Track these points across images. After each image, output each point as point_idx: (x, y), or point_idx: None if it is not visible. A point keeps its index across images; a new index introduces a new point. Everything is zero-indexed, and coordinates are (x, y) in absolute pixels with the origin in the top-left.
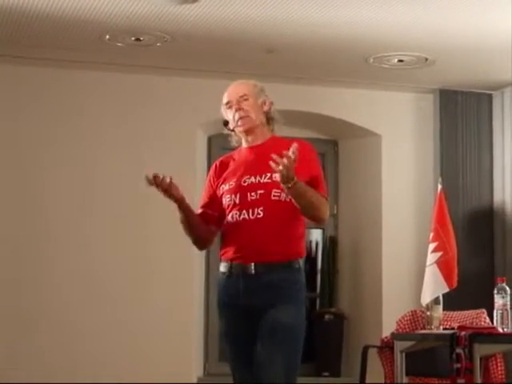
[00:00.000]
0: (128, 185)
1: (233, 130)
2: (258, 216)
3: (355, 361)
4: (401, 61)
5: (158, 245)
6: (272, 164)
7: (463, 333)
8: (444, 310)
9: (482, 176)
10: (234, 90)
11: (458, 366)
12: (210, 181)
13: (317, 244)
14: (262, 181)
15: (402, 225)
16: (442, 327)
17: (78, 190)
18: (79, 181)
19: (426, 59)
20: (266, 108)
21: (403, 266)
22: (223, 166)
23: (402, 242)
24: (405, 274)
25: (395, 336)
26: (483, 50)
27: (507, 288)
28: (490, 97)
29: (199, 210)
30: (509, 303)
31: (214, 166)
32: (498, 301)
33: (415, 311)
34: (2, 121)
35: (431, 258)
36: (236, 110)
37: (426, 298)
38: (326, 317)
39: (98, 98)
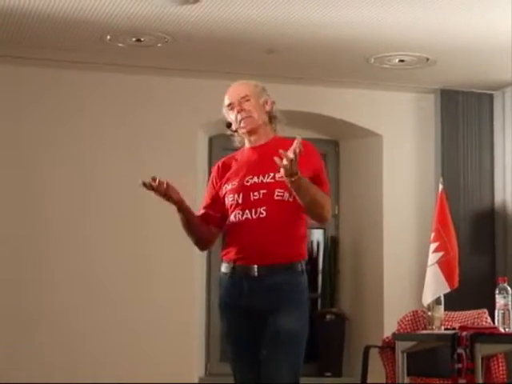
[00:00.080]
0: (128, 185)
1: (235, 131)
2: (261, 216)
3: (357, 361)
4: (402, 61)
5: (158, 245)
6: (276, 159)
7: (464, 333)
8: (445, 310)
9: (483, 176)
10: (235, 91)
11: (460, 366)
12: (212, 182)
13: (318, 244)
14: (264, 181)
15: (403, 225)
16: (443, 327)
17: (78, 190)
18: (79, 181)
19: (427, 59)
20: (268, 108)
21: (404, 266)
22: (226, 166)
23: (403, 242)
24: (406, 274)
25: (396, 336)
26: (484, 50)
27: (508, 288)
28: (490, 97)
29: (201, 211)
30: (510, 303)
31: (216, 166)
32: (500, 301)
33: (416, 311)
34: (3, 121)
35: (432, 258)
36: (238, 111)
37: (428, 298)
38: (328, 317)
39: (99, 99)
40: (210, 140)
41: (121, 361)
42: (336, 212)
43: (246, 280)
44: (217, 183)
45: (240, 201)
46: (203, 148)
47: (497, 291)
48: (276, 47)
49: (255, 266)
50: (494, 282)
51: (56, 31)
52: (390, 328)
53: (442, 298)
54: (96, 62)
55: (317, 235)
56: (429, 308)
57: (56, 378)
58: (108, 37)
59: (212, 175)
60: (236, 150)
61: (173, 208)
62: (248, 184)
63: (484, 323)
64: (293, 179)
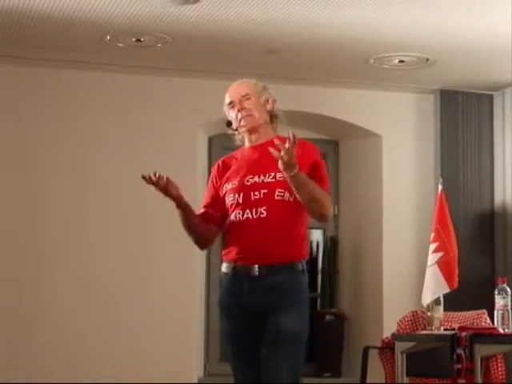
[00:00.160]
0: (128, 185)
1: (236, 130)
2: (262, 216)
3: (356, 361)
4: (401, 61)
5: (158, 245)
6: (273, 151)
7: (464, 333)
8: (445, 310)
9: (483, 176)
10: (235, 89)
11: (459, 366)
12: (212, 181)
13: (317, 244)
14: (265, 180)
15: (402, 225)
16: (442, 328)
17: (79, 190)
18: (79, 181)
19: (427, 60)
20: (269, 107)
21: (404, 266)
22: (226, 165)
23: (403, 243)
24: (405, 274)
25: (396, 337)
26: (484, 50)
27: (508, 289)
28: (490, 97)
29: (201, 210)
30: (509, 304)
31: (216, 165)
32: (499, 301)
33: (416, 312)
34: (3, 121)
35: (432, 258)
36: (238, 110)
37: (427, 299)
38: (327, 317)
39: (99, 99)
40: (210, 140)
41: (120, 361)
42: (336, 212)
43: (247, 280)
44: (217, 182)
45: (240, 200)
46: (203, 148)
47: (496, 292)
48: (276, 47)
49: (256, 266)
50: (493, 282)
51: (56, 31)
52: (389, 328)
53: (442, 299)
54: (96, 62)
55: (316, 235)
56: (428, 308)
57: (56, 378)
58: (108, 37)
59: (212, 174)
60: (236, 148)
61: (173, 208)
62: (248, 184)
63: (483, 324)
64: (292, 173)
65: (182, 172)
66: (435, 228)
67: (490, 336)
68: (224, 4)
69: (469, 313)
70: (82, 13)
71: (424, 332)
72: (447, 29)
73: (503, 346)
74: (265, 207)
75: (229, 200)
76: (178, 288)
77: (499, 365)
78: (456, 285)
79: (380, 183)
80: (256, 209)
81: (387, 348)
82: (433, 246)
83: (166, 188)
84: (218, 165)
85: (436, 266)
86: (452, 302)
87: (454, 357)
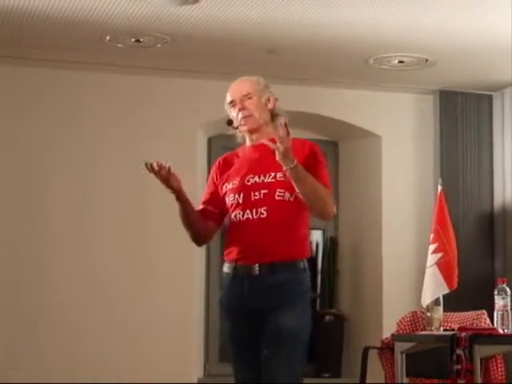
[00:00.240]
0: (128, 185)
1: (237, 128)
2: (262, 216)
3: (355, 362)
4: (401, 62)
5: (158, 245)
6: (270, 143)
7: (463, 334)
8: (444, 311)
9: (483, 177)
10: (237, 88)
11: (459, 367)
12: (212, 177)
13: (317, 245)
14: (265, 180)
15: (402, 226)
16: (442, 328)
17: (78, 190)
18: (79, 181)
19: (427, 60)
20: (270, 106)
21: (403, 266)
22: (227, 163)
23: (403, 243)
24: (405, 274)
25: (395, 337)
26: (483, 50)
27: (507, 289)
28: (490, 98)
29: (200, 207)
30: (509, 304)
31: (217, 162)
32: (499, 302)
33: (415, 312)
34: (3, 121)
35: (431, 259)
36: (239, 110)
37: (427, 299)
38: (327, 318)
39: (99, 99)
40: (209, 140)
41: (120, 361)
42: (335, 212)
43: (248, 279)
44: (217, 179)
45: (241, 200)
46: (202, 148)
47: (496, 292)
48: (276, 48)
49: (256, 265)
50: (493, 283)
51: (56, 31)
52: (389, 329)
53: (441, 299)
54: (95, 62)
55: (316, 236)
56: (428, 309)
57: (56, 378)
58: (107, 37)
59: (213, 171)
60: (237, 146)
61: (173, 207)
62: (249, 184)
63: (483, 324)
64: (292, 165)
65: (181, 172)
66: (435, 228)
67: (489, 336)
68: (224, 4)
69: (468, 313)
70: (81, 13)
71: (424, 332)
72: (447, 29)
73: (503, 346)
74: (265, 207)
75: (229, 200)
76: (178, 288)
77: (499, 365)
78: (455, 285)
79: (379, 184)
80: (256, 209)
81: (387, 348)
82: (432, 247)
83: (167, 178)
84: (219, 162)
85: (435, 266)
86: (452, 302)
87: (454, 357)
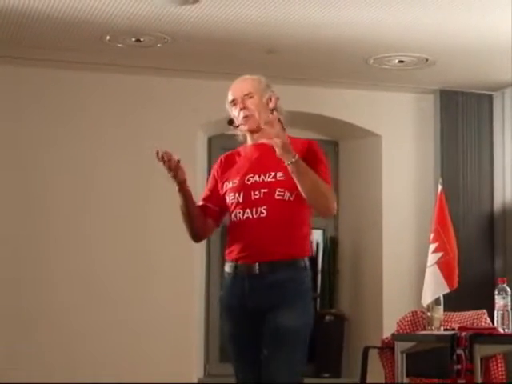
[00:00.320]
0: (128, 185)
1: (238, 126)
2: (262, 215)
3: (356, 362)
4: (401, 61)
5: (158, 246)
6: (267, 140)
7: (464, 333)
8: (445, 310)
9: (483, 176)
10: (238, 87)
11: (459, 366)
12: (213, 175)
13: (317, 245)
14: (266, 180)
15: (402, 225)
16: (442, 328)
17: (79, 190)
18: (79, 181)
19: (427, 60)
20: (271, 105)
21: (404, 266)
22: (228, 161)
23: (403, 243)
24: (405, 274)
25: (396, 337)
26: (484, 50)
27: (508, 289)
28: (490, 97)
29: (200, 203)
30: (509, 304)
31: (219, 160)
32: (499, 301)
33: (416, 312)
34: (3, 121)
35: (432, 258)
36: (241, 109)
37: (427, 299)
38: (327, 318)
39: (99, 99)
40: (210, 140)
41: (120, 361)
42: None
43: (248, 279)
44: (218, 176)
45: (241, 200)
46: (202, 148)
47: (496, 292)
48: (276, 48)
49: (256, 264)
50: (493, 282)
51: (55, 31)
52: (389, 328)
53: (442, 299)
54: (95, 62)
55: (316, 235)
56: (428, 308)
57: (56, 378)
58: (107, 37)
59: (214, 168)
60: (239, 145)
61: (173, 208)
62: (249, 183)
63: (483, 324)
64: (293, 159)
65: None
66: (435, 228)
67: (489, 336)
68: (224, 4)
69: (469, 313)
70: (81, 13)
71: (424, 332)
72: (447, 29)
73: (503, 346)
74: (265, 207)
75: (229, 199)
76: (178, 288)
77: (499, 365)
78: (456, 285)
79: (380, 183)
80: (256, 208)
81: (387, 348)
82: (433, 246)
83: (175, 170)
84: (221, 160)
85: (436, 266)
86: (452, 302)
87: (454, 357)
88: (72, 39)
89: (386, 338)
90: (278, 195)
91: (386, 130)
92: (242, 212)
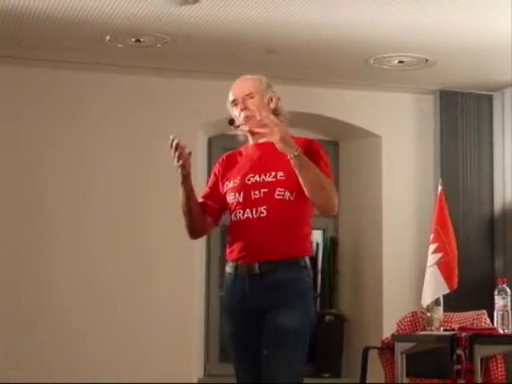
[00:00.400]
0: (128, 185)
1: (239, 126)
2: (262, 215)
3: (356, 362)
4: (401, 62)
5: (158, 246)
6: (262, 129)
7: (464, 334)
8: (444, 311)
9: (483, 177)
10: (239, 87)
11: (459, 367)
12: (214, 173)
13: (317, 245)
14: (266, 179)
15: (402, 226)
16: (442, 328)
17: (79, 190)
18: (79, 181)
19: (427, 60)
20: (272, 105)
21: (404, 266)
22: (230, 160)
23: (403, 243)
24: (405, 274)
25: (396, 337)
26: (483, 50)
27: (507, 289)
28: (490, 98)
29: (199, 200)
30: (509, 304)
31: (220, 159)
32: (499, 302)
33: (416, 312)
34: (3, 121)
35: (432, 259)
36: (241, 110)
37: (427, 299)
38: (327, 318)
39: (99, 99)
40: (210, 140)
41: (120, 361)
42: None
43: (249, 279)
44: (219, 175)
45: (241, 199)
46: (202, 148)
47: (496, 292)
48: (276, 48)
49: (256, 264)
50: (493, 283)
51: (55, 31)
52: (389, 329)
53: (442, 299)
54: (95, 62)
55: (316, 236)
56: (428, 309)
57: (56, 378)
58: (107, 37)
59: (215, 167)
60: (238, 146)
61: (173, 208)
62: (249, 183)
63: (483, 324)
64: (296, 152)
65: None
66: (435, 229)
67: (489, 336)
68: (224, 4)
69: (468, 313)
70: (81, 13)
71: (424, 332)
72: (447, 29)
73: (503, 346)
74: (265, 206)
75: (230, 199)
76: (178, 288)
77: (499, 365)
78: (456, 285)
79: (380, 184)
80: (256, 208)
81: (387, 348)
82: (432, 247)
83: (184, 158)
84: (223, 158)
85: (436, 266)
86: (452, 302)
87: (454, 357)
88: (72, 39)
89: (386, 339)
90: (278, 195)
91: (385, 131)
92: (242, 212)
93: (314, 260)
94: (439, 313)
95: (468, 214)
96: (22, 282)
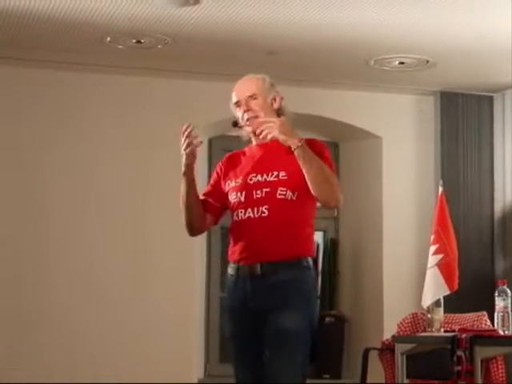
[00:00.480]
0: (128, 186)
1: (242, 127)
2: (263, 215)
3: (356, 363)
4: (402, 63)
5: (158, 246)
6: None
7: (464, 335)
8: (445, 312)
9: (483, 178)
10: (242, 88)
11: (459, 368)
12: (217, 171)
13: (318, 246)
14: (268, 179)
15: (402, 227)
16: (442, 330)
17: (78, 191)
18: (79, 182)
19: (427, 61)
20: (276, 105)
21: (404, 268)
22: (233, 160)
23: (403, 244)
24: (406, 276)
25: (396, 338)
26: (484, 52)
27: (508, 290)
28: (490, 99)
29: (201, 197)
30: (509, 306)
31: (224, 158)
32: (499, 303)
33: (416, 314)
34: (3, 122)
35: (432, 260)
36: (245, 111)
37: (427, 301)
38: (327, 319)
39: (99, 100)
40: (210, 141)
41: (120, 361)
42: (336, 214)
43: (250, 280)
44: (221, 173)
45: (243, 199)
46: (203, 149)
47: (496, 294)
48: (276, 49)
49: (258, 265)
50: (493, 284)
51: (56, 33)
52: (389, 330)
53: (442, 301)
54: (96, 63)
55: (317, 237)
56: (428, 310)
57: (56, 378)
58: (108, 38)
59: (218, 165)
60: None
61: (173, 208)
62: (251, 182)
63: (483, 326)
64: (300, 143)
65: (181, 173)
66: (435, 230)
67: (490, 338)
68: (224, 5)
69: (469, 315)
70: (82, 14)
71: (424, 334)
72: (447, 30)
73: (503, 347)
74: (266, 206)
75: (232, 198)
76: (178, 288)
77: (499, 367)
78: (456, 287)
79: (380, 185)
80: (258, 208)
81: (387, 350)
82: (433, 248)
83: (191, 147)
84: (226, 158)
85: (436, 267)
86: (452, 303)
87: (454, 359)
88: (72, 40)
89: (387, 340)
90: (280, 194)
91: (386, 132)
92: (243, 211)
93: (314, 261)
94: (440, 314)
95: (468, 216)
96: (23, 282)
